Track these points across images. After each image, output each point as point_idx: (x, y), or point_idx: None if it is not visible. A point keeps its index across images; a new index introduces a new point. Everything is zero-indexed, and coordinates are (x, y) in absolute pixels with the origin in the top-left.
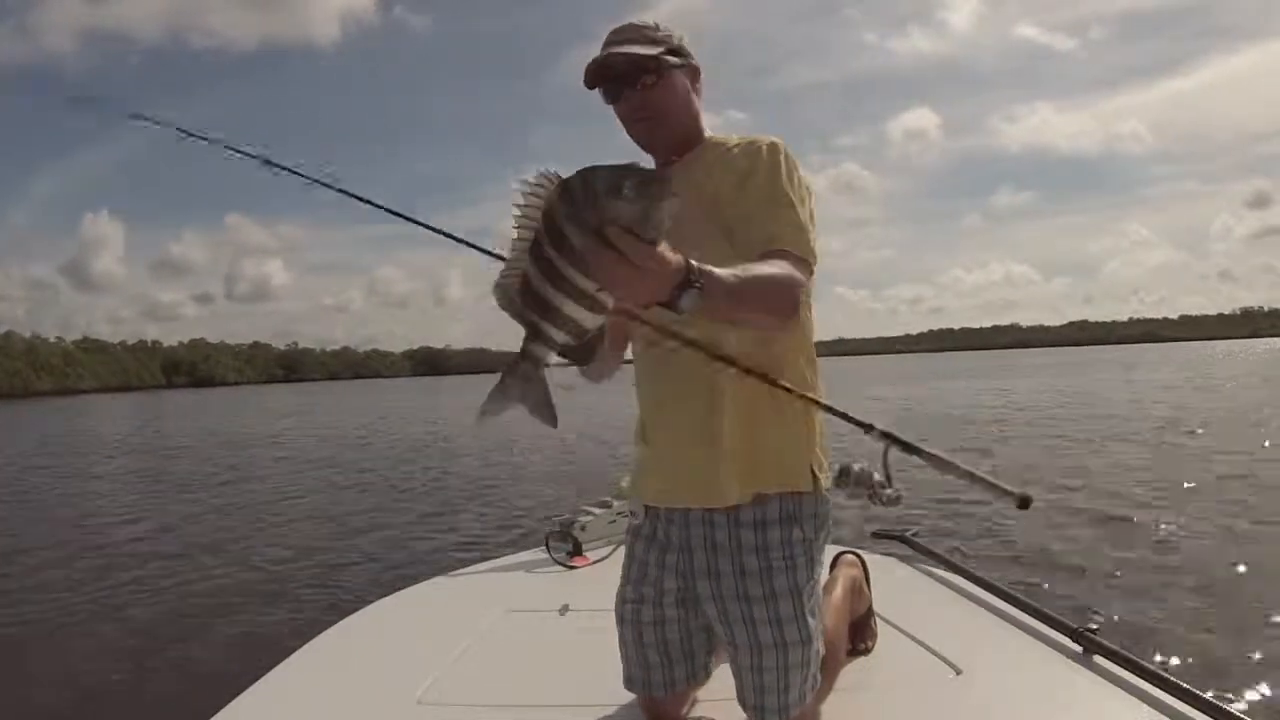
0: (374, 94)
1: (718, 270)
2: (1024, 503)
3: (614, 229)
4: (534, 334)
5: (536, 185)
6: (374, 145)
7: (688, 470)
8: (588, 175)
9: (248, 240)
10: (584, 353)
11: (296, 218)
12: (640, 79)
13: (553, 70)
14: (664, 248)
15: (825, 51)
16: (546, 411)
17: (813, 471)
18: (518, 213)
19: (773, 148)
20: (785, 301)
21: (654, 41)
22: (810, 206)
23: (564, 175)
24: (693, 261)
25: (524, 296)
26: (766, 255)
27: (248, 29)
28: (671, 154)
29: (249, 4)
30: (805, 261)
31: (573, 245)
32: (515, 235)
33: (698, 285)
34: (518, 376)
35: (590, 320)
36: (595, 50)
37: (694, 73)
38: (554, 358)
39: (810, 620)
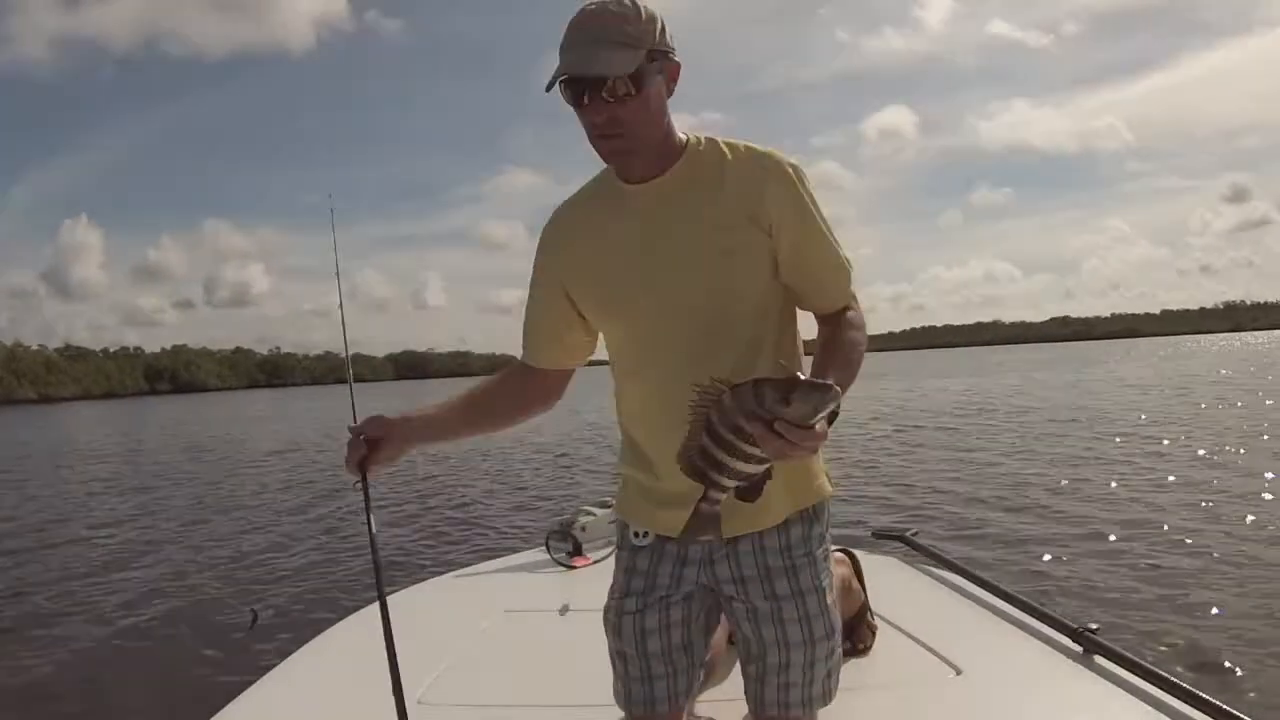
0: (349, 99)
1: (841, 378)
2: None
3: (784, 424)
4: (711, 484)
5: (709, 389)
6: (350, 150)
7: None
8: (761, 386)
9: (226, 245)
10: (754, 490)
11: (274, 222)
12: (610, 87)
13: (528, 72)
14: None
15: (801, 52)
16: (717, 535)
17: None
18: (694, 399)
19: (801, 179)
20: (863, 352)
21: (634, 41)
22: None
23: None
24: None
25: (702, 458)
26: (832, 315)
27: (221, 36)
28: (642, 174)
29: (223, 11)
30: (854, 292)
31: (744, 429)
32: (691, 416)
33: (837, 411)
34: (706, 521)
35: (757, 470)
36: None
37: (674, 70)
38: (725, 499)
39: (834, 614)
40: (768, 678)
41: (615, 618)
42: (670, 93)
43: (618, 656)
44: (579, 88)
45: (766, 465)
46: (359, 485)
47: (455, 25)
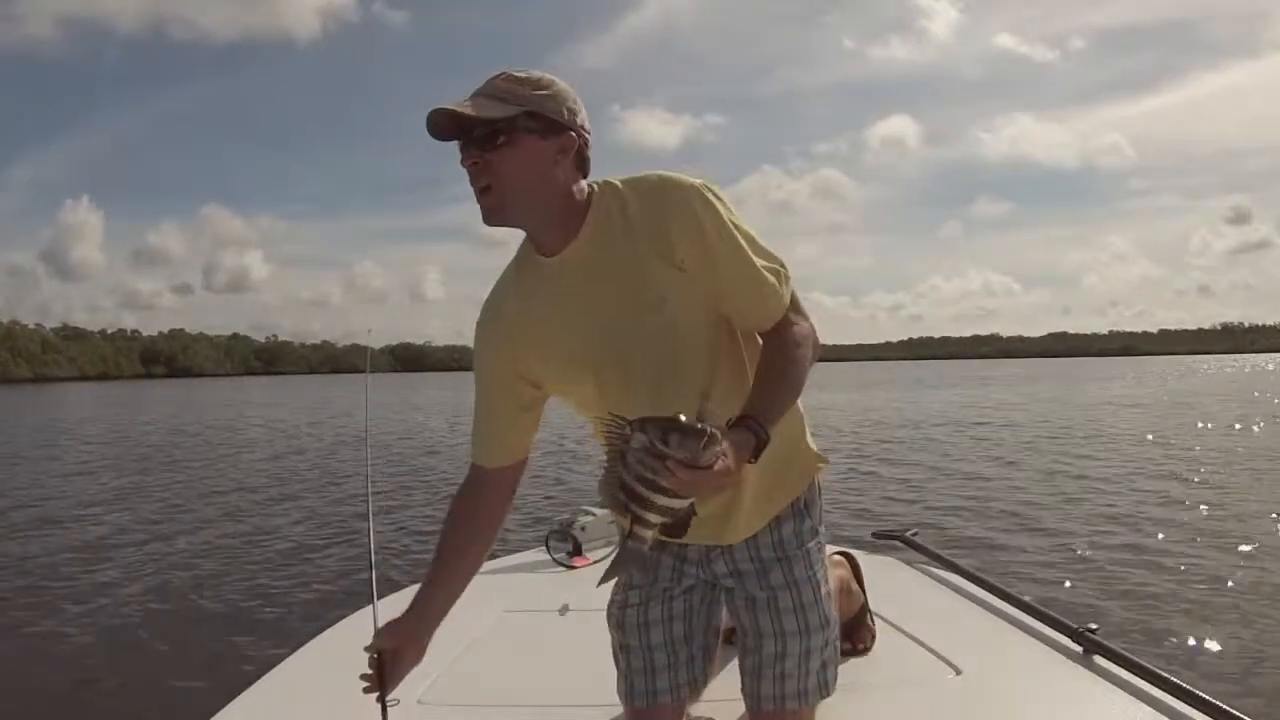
0: (353, 89)
1: (771, 403)
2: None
3: (674, 463)
4: (636, 520)
5: (610, 423)
6: (352, 140)
7: (714, 531)
8: (645, 424)
9: (226, 231)
10: (679, 528)
11: (274, 210)
12: (477, 139)
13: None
14: (724, 449)
15: (806, 57)
16: (650, 574)
17: (818, 460)
18: (602, 431)
19: (704, 202)
20: (810, 362)
21: (511, 98)
22: (753, 231)
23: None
24: (755, 421)
25: (624, 492)
26: (769, 334)
27: (228, 22)
28: (546, 235)
29: None
30: (793, 304)
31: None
32: (605, 449)
33: (767, 436)
34: (631, 555)
35: (679, 504)
36: (580, 48)
37: (569, 143)
38: (653, 535)
39: (829, 607)
40: (764, 670)
41: (619, 611)
42: (577, 167)
43: (621, 650)
44: (457, 138)
45: (685, 501)
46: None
47: (461, 18)
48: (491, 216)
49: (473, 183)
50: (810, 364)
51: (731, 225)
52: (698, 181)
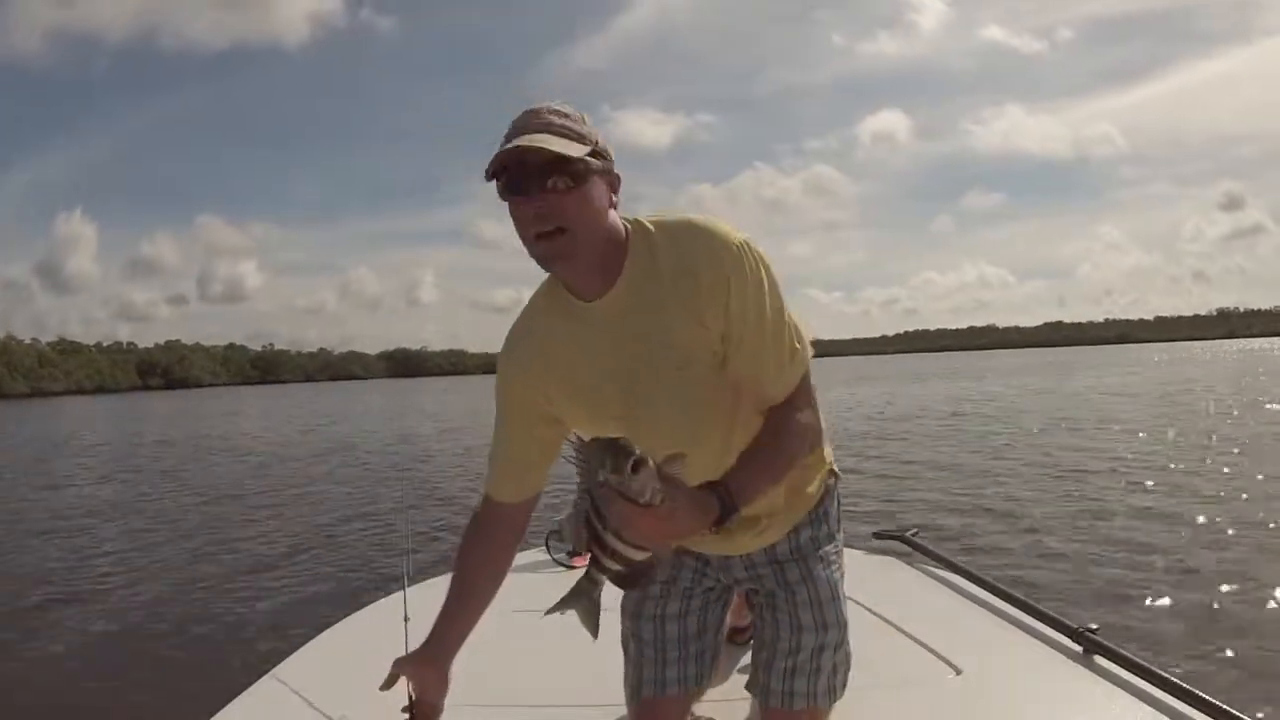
0: (343, 95)
1: (749, 481)
2: None
3: (606, 490)
4: (593, 562)
5: (576, 447)
6: (344, 146)
7: (739, 544)
8: (589, 447)
9: (220, 240)
10: (632, 581)
11: (268, 218)
12: (551, 179)
13: (523, 70)
14: (657, 484)
15: (797, 55)
16: (593, 624)
17: (832, 470)
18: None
19: (737, 263)
20: (803, 456)
21: (579, 137)
22: (785, 304)
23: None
24: (726, 490)
25: (587, 531)
26: (770, 414)
27: (216, 30)
28: (586, 279)
29: (218, 5)
30: (802, 391)
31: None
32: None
33: (735, 509)
34: (580, 593)
35: (636, 554)
36: (574, 51)
37: (615, 182)
38: (606, 581)
39: (843, 609)
40: (775, 663)
41: (636, 602)
42: (615, 205)
43: (632, 639)
44: (517, 181)
45: (649, 553)
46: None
47: (449, 22)
48: (556, 261)
49: (533, 225)
50: (801, 457)
51: (762, 293)
52: (738, 238)
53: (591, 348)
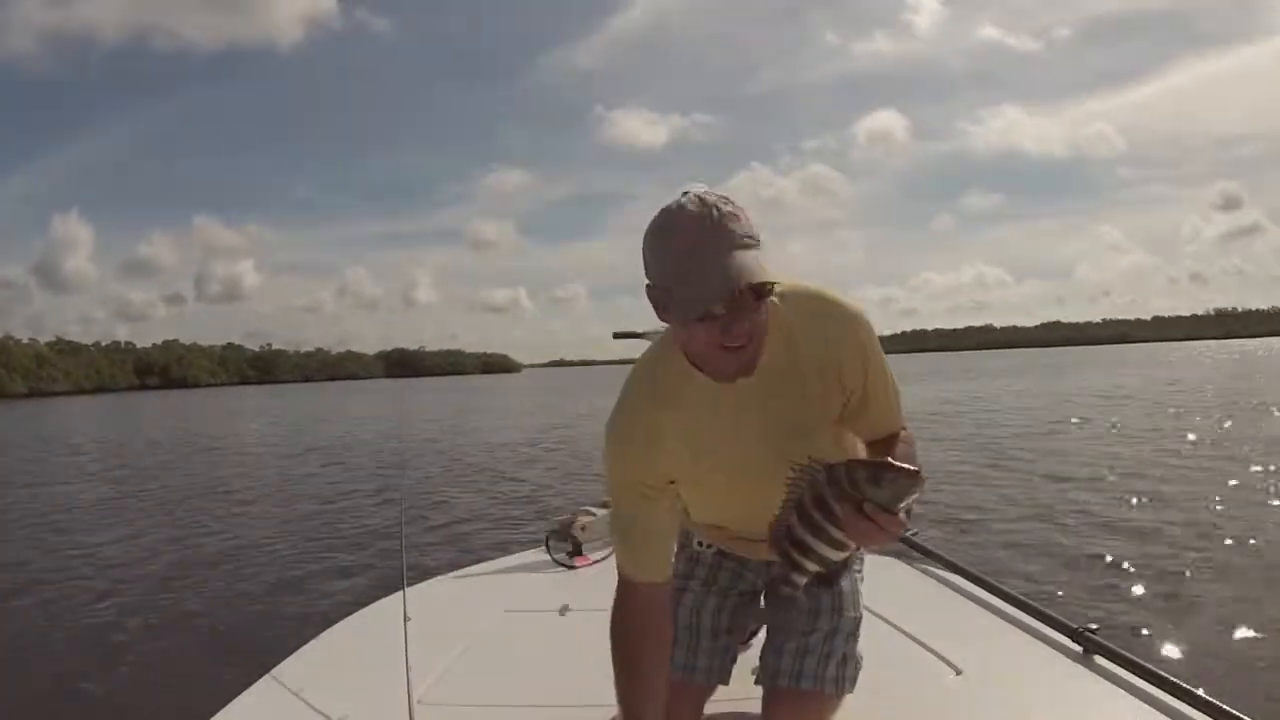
0: (338, 96)
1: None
2: None
3: (871, 506)
4: (793, 566)
5: (805, 468)
6: (339, 147)
7: None
8: (854, 466)
9: (216, 241)
10: (828, 580)
11: (264, 218)
12: (756, 293)
13: (518, 72)
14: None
15: (793, 55)
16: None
17: None
18: (791, 476)
19: (868, 333)
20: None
21: (756, 242)
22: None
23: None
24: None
25: (788, 538)
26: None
27: (210, 31)
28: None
29: (212, 7)
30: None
31: (834, 510)
32: (785, 495)
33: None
34: (780, 598)
35: (837, 557)
36: (570, 53)
37: None
38: (804, 582)
39: (860, 602)
40: (787, 644)
41: (676, 592)
42: None
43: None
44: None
45: (846, 553)
46: None
47: (444, 24)
48: (740, 374)
49: (733, 341)
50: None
51: (881, 357)
52: (857, 309)
53: (720, 417)
